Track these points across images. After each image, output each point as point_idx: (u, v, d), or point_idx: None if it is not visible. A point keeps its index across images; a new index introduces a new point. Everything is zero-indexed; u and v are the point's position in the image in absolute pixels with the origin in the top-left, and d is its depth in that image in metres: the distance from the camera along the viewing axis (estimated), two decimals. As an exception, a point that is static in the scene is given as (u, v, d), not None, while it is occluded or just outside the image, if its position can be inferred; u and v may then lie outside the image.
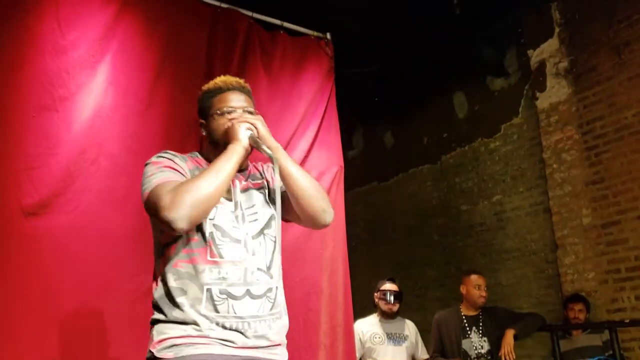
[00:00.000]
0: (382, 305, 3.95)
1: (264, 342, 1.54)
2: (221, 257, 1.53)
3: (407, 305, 4.35)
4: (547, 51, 5.00)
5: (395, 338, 3.90)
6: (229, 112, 1.67)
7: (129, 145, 2.70)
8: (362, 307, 4.13)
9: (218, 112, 1.68)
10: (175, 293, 1.51)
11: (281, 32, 3.53)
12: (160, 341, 1.49)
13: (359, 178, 6.82)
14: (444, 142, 6.10)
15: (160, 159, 1.60)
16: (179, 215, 1.42)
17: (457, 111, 6.00)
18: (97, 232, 2.53)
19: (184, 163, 1.63)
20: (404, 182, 6.57)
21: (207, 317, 1.48)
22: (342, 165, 3.59)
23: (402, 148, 6.67)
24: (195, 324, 1.48)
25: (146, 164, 1.61)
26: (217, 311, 1.49)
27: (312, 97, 3.56)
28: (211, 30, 3.17)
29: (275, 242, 1.64)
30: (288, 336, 1.66)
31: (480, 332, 3.73)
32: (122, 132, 2.72)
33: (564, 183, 4.78)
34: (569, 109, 4.79)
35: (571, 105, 4.78)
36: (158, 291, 1.55)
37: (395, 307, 3.95)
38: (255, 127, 1.62)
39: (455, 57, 5.41)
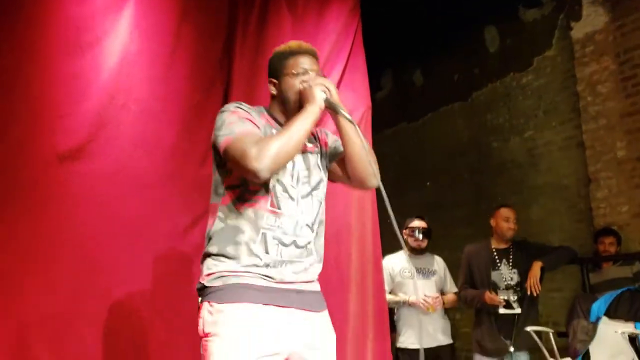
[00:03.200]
0: (411, 241, 4.01)
1: (300, 278, 1.75)
2: (279, 208, 1.72)
3: (436, 243, 4.35)
4: (583, -23, 4.77)
5: (424, 272, 3.97)
6: (303, 74, 1.79)
7: (156, 89, 2.73)
8: (391, 246, 4.17)
9: (293, 72, 1.79)
10: (233, 231, 1.69)
11: (304, -32, 3.43)
12: (210, 274, 1.67)
13: (388, 119, 6.75)
14: (475, 78, 5.97)
15: (239, 110, 1.72)
16: (265, 166, 1.57)
17: (488, 46, 5.83)
18: (131, 176, 2.59)
19: (258, 118, 1.76)
20: (434, 121, 6.49)
21: (256, 255, 1.68)
22: (370, 105, 3.52)
23: (432, 87, 6.54)
24: (243, 258, 1.67)
25: (223, 111, 1.73)
26: (267, 252, 1.69)
27: (337, 36, 3.47)
28: (233, -31, 3.12)
29: (321, 203, 1.83)
30: (322, 273, 1.85)
31: (510, 264, 3.75)
32: (148, 77, 2.74)
33: (598, 116, 4.64)
34: (606, 38, 4.59)
35: (608, 34, 4.58)
36: (216, 226, 1.72)
37: (424, 244, 4.01)
38: (329, 90, 1.74)
39: (485, -11, 5.20)
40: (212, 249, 1.71)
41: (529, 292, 3.59)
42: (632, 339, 2.93)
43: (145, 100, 2.71)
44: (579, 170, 4.84)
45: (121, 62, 2.67)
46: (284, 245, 1.71)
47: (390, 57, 6.52)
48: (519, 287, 3.69)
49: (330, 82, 1.78)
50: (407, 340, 3.86)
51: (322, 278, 1.85)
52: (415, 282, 3.93)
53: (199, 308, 1.70)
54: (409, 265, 3.98)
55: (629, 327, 2.96)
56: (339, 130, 1.81)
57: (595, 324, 3.14)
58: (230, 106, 1.76)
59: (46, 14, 2.53)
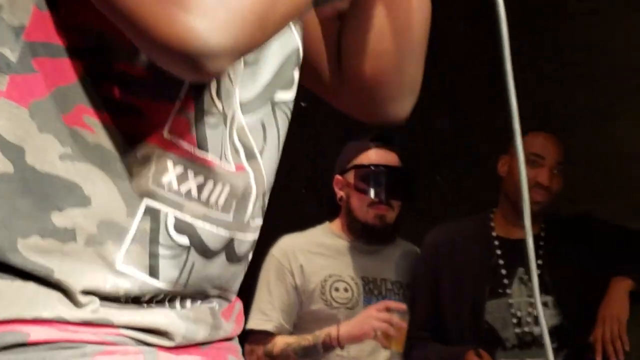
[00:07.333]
0: (359, 206, 3.14)
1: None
2: (206, 149, 1.38)
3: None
4: None
5: (381, 289, 3.23)
6: None
7: None
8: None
9: None
10: (46, 188, 1.30)
11: None
12: None
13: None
14: None
15: None
16: (233, 41, 0.96)
17: None
18: None
19: None
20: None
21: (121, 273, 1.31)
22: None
23: None
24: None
25: None
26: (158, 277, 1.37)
27: None
28: None
29: (288, 118, 1.34)
30: None
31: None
32: None
33: None
34: None
35: None
36: None
37: (393, 213, 3.14)
38: None
39: None
40: None
41: (599, 358, 2.88)
42: None
43: None
44: None
45: None
46: (206, 257, 1.13)
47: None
48: (564, 337, 2.92)
49: None
50: None
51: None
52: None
53: None
54: (351, 269, 3.19)
55: None
56: None
57: None
58: None
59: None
